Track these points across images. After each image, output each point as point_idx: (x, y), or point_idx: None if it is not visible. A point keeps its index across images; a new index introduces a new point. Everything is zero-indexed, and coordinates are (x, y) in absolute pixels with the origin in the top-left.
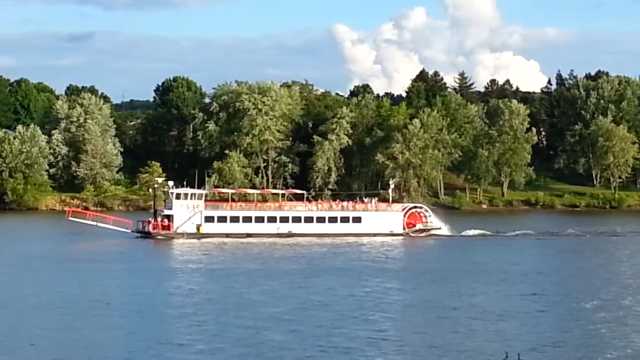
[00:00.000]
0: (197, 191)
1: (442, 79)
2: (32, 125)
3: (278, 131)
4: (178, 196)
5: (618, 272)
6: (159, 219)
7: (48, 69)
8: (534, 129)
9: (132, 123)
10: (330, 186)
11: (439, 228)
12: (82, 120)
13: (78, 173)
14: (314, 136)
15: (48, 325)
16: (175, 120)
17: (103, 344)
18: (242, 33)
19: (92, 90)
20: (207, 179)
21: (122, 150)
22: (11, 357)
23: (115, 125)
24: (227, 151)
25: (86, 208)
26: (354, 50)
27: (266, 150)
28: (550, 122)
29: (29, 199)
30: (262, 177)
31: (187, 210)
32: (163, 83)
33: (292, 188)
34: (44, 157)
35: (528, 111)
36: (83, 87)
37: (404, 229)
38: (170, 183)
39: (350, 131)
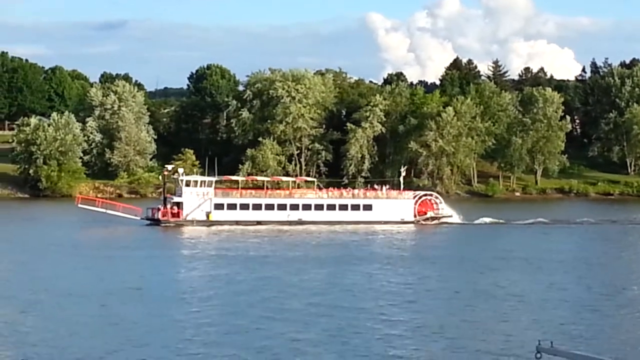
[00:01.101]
0: (206, 178)
1: (475, 67)
2: (66, 113)
3: (311, 119)
4: (188, 183)
5: None
6: (168, 206)
7: (82, 57)
8: (568, 117)
9: (165, 110)
10: (363, 174)
11: (450, 216)
12: (116, 107)
13: (112, 160)
14: (348, 124)
15: (86, 313)
16: (208, 107)
17: (155, 332)
18: (273, 22)
19: (126, 78)
20: (240, 166)
21: (155, 137)
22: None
23: (149, 113)
24: (260, 139)
25: (120, 195)
26: (388, 39)
27: (299, 137)
28: (584, 110)
29: (63, 186)
30: (296, 165)
31: (196, 197)
32: (197, 71)
33: (325, 176)
34: (78, 145)
35: (562, 99)
36: (117, 74)
37: (415, 216)
38: (181, 170)
39: (384, 119)
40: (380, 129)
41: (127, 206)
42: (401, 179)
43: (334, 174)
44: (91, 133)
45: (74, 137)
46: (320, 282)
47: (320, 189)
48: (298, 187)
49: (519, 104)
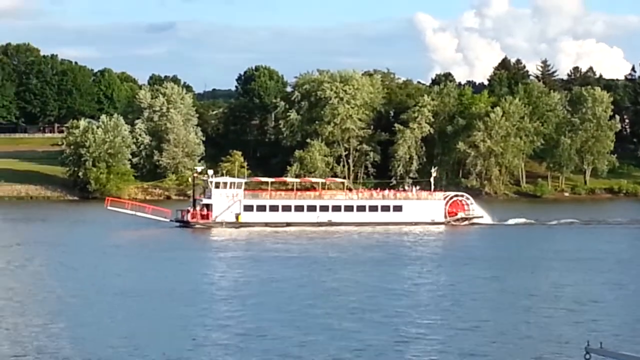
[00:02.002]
0: (236, 180)
1: (524, 66)
2: (115, 115)
3: (359, 120)
4: (217, 185)
5: None
6: (197, 208)
7: (131, 59)
8: (617, 117)
9: (214, 112)
10: (411, 175)
11: (481, 217)
12: (164, 109)
13: (160, 162)
14: (396, 125)
15: (140, 314)
16: (257, 109)
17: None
18: (319, 23)
19: (175, 80)
20: (288, 168)
21: (204, 139)
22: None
23: (197, 115)
24: (308, 140)
25: (168, 197)
26: (436, 39)
27: (347, 138)
28: (634, 110)
29: (112, 188)
30: (344, 166)
31: (226, 199)
32: (245, 72)
33: (374, 177)
34: (126, 147)
35: (611, 98)
36: (166, 76)
37: (445, 217)
38: (210, 172)
39: (432, 119)
40: (429, 130)
41: (157, 208)
42: (432, 179)
43: (382, 175)
44: (140, 135)
45: (123, 139)
46: (371, 284)
47: (350, 190)
48: (328, 189)
49: (568, 104)
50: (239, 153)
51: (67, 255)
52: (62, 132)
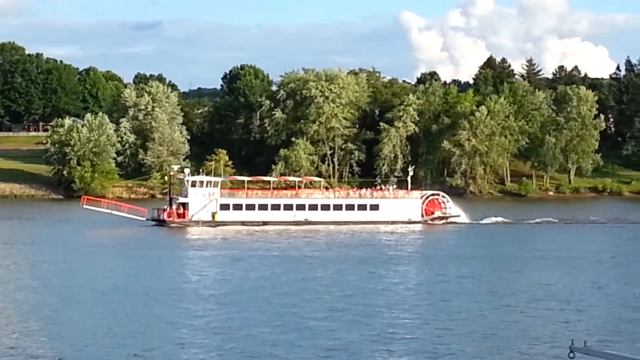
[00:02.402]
0: (212, 179)
1: (509, 65)
2: (100, 114)
3: (345, 118)
4: (194, 184)
5: None
6: (174, 207)
7: (116, 58)
8: (602, 116)
9: (199, 111)
10: (396, 173)
11: (458, 215)
12: (149, 108)
13: (145, 161)
14: (381, 123)
15: (115, 313)
16: (242, 108)
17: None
18: (310, 21)
19: (160, 79)
20: (273, 166)
21: (189, 138)
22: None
23: (182, 113)
24: (293, 139)
25: (153, 196)
26: (421, 38)
27: (333, 137)
28: (618, 109)
29: (97, 187)
30: (329, 165)
31: (202, 197)
32: (230, 71)
33: (359, 176)
34: (111, 145)
35: (596, 97)
36: (151, 75)
37: (422, 216)
38: (187, 170)
39: (417, 118)
40: (414, 129)
41: (133, 207)
42: (408, 178)
43: (367, 174)
44: (125, 134)
45: (108, 138)
46: (351, 282)
47: (326, 188)
48: (305, 187)
49: (553, 103)
50: (224, 152)
51: (46, 254)
52: (46, 130)
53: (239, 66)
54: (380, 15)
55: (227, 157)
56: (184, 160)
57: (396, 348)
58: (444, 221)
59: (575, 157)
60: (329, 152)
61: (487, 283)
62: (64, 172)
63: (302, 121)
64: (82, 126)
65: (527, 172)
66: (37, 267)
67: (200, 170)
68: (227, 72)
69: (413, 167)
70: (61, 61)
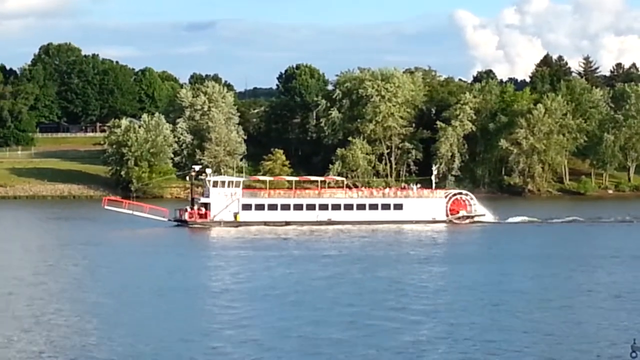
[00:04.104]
0: (234, 179)
1: (566, 63)
2: (156, 114)
3: (401, 117)
4: (215, 184)
5: None
6: (195, 207)
7: (172, 58)
8: None
9: (255, 111)
10: (453, 172)
11: (483, 215)
12: (206, 108)
13: (202, 161)
14: (437, 122)
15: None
16: (298, 107)
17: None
18: (361, 20)
19: (216, 79)
20: (330, 166)
21: (245, 138)
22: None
23: (238, 113)
24: (350, 138)
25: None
26: (476, 36)
27: (389, 136)
28: None
29: (154, 187)
30: (386, 164)
31: (224, 198)
32: (286, 71)
33: (416, 175)
34: (168, 146)
35: None
36: (207, 75)
37: (447, 215)
38: (208, 171)
39: (474, 117)
40: (471, 127)
41: (155, 207)
42: (432, 177)
43: (424, 173)
44: (181, 134)
45: (165, 138)
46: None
47: (350, 188)
48: (328, 187)
49: (611, 101)
50: (281, 151)
51: (101, 254)
52: (104, 131)
53: (294, 66)
54: (432, 14)
55: (284, 157)
56: (241, 160)
57: (457, 347)
58: (468, 220)
59: (634, 154)
60: (385, 151)
61: (545, 282)
62: (122, 173)
63: (358, 120)
64: (139, 127)
65: (586, 171)
66: (94, 268)
67: (261, 169)
68: (283, 71)
69: (437, 166)
70: (117, 62)
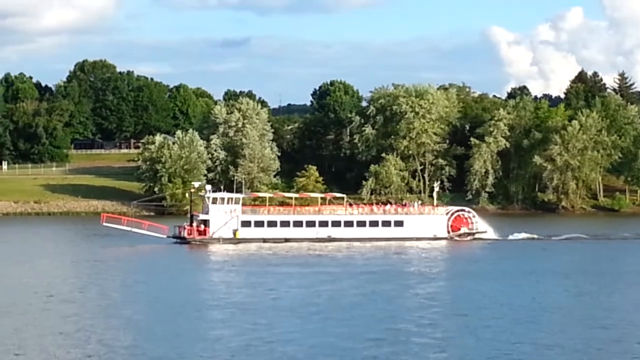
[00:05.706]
0: (234, 195)
1: (601, 79)
2: (190, 131)
3: (435, 134)
4: (214, 201)
5: None
6: (194, 224)
7: (205, 75)
8: None
9: (289, 127)
10: (487, 189)
11: (485, 232)
12: (240, 124)
13: (236, 177)
14: (471, 139)
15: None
16: (332, 123)
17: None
18: (395, 37)
19: (250, 95)
20: (363, 182)
21: (279, 154)
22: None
23: (272, 130)
24: (384, 154)
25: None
26: (510, 52)
27: (423, 153)
28: None
29: (188, 204)
30: (419, 180)
31: (223, 214)
32: (320, 87)
33: (450, 191)
34: (202, 162)
35: None
36: (241, 92)
37: (448, 232)
38: (208, 187)
39: (508, 133)
40: (505, 144)
41: (154, 224)
42: (434, 194)
43: (458, 189)
44: (215, 150)
45: (198, 155)
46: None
47: (350, 205)
48: (328, 204)
49: None
50: (314, 168)
51: (131, 271)
52: (137, 147)
53: (328, 82)
54: (467, 31)
55: (317, 173)
56: (275, 176)
57: None
58: (470, 237)
59: None
60: (419, 168)
61: (576, 298)
62: (155, 189)
63: (392, 137)
64: (173, 143)
65: (621, 187)
66: (126, 284)
67: (294, 186)
68: (317, 88)
69: (438, 182)
70: (152, 78)
